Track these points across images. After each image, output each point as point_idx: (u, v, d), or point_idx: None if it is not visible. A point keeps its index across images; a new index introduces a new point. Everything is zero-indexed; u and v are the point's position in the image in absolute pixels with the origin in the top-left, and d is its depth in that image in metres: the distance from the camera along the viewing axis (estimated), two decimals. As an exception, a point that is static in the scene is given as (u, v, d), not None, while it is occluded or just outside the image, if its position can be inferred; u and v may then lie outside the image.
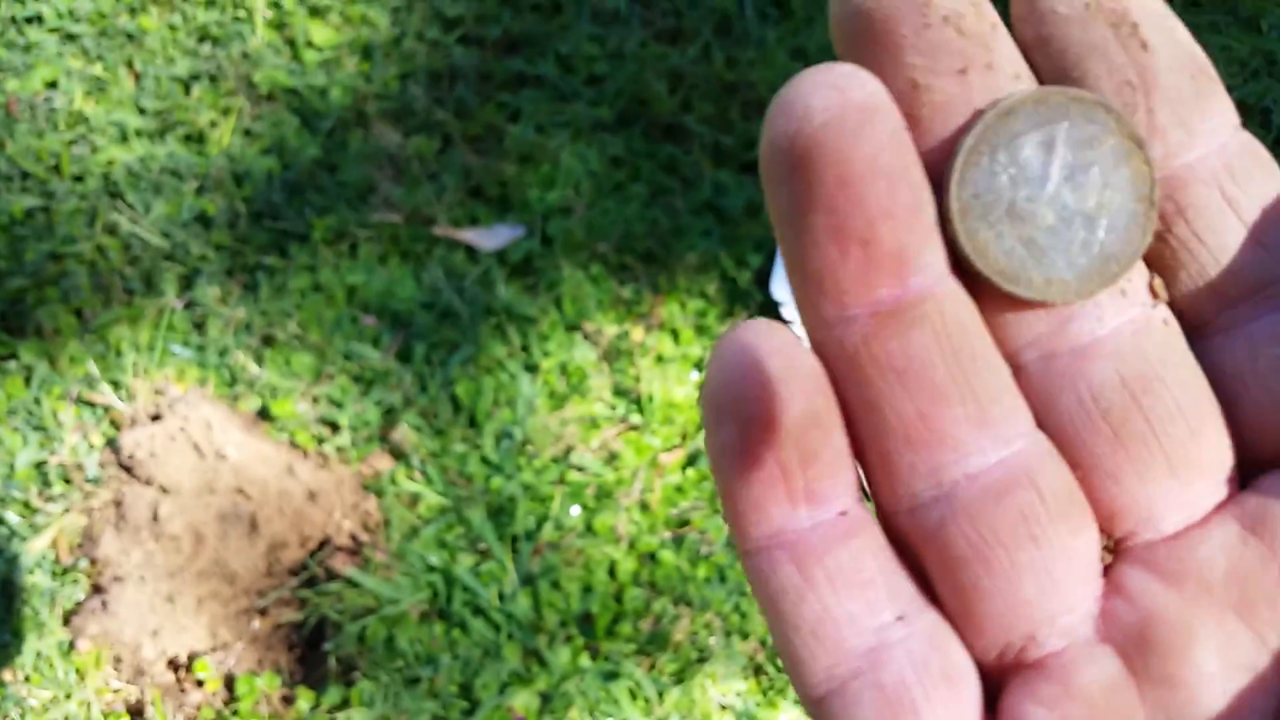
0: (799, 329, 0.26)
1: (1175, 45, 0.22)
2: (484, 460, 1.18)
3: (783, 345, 0.22)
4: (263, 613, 1.18)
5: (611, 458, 1.18)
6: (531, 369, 1.23)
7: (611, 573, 1.12)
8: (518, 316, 1.25)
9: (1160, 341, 0.23)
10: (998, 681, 0.23)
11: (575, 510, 1.14)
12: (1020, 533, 0.22)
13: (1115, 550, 0.24)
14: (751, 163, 1.30)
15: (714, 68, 1.34)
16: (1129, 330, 0.23)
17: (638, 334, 1.24)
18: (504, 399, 1.21)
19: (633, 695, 1.05)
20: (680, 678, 1.07)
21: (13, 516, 1.17)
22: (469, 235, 1.29)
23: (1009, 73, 0.23)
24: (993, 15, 0.22)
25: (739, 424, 0.22)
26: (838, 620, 0.22)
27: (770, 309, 1.23)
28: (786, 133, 0.21)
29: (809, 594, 0.22)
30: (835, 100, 0.21)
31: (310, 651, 1.16)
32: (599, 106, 1.35)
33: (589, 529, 1.14)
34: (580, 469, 1.17)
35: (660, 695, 1.05)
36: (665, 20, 1.41)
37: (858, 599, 0.22)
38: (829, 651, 0.22)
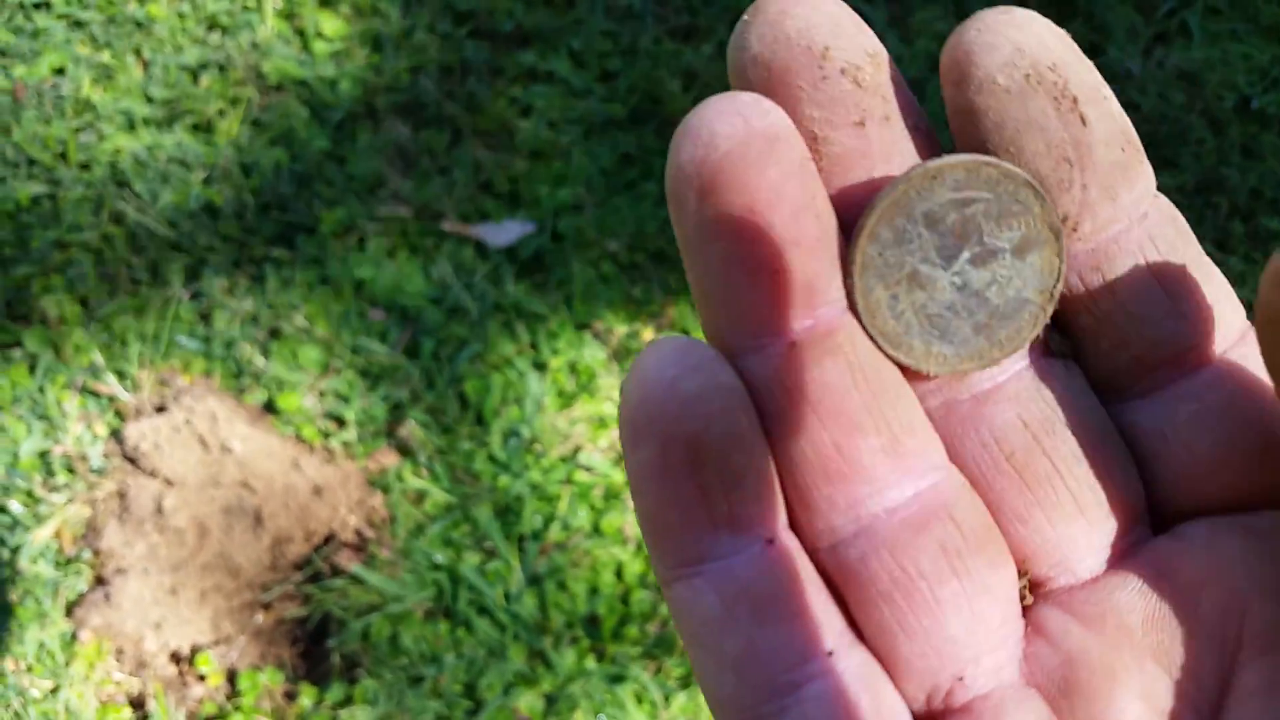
0: None
1: (1110, 119, 0.22)
2: (491, 458, 1.17)
3: (704, 361, 0.21)
4: (266, 607, 1.17)
5: (620, 458, 1.17)
6: (540, 367, 1.22)
7: (618, 574, 1.12)
8: (527, 314, 1.24)
9: (1062, 385, 0.23)
10: None
11: (582, 513, 1.14)
12: (941, 565, 0.22)
13: (1034, 592, 0.24)
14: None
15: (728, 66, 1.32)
16: (1029, 375, 0.24)
17: (648, 333, 1.23)
18: (512, 397, 1.21)
19: (638, 699, 1.05)
20: (686, 682, 1.06)
21: (16, 506, 1.16)
22: (478, 231, 1.28)
23: (908, 125, 0.23)
24: (892, 68, 0.22)
25: (658, 443, 0.21)
26: (761, 655, 0.21)
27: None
28: (692, 159, 0.20)
29: (731, 626, 0.21)
30: (740, 127, 0.20)
31: (314, 647, 1.15)
32: (611, 103, 1.34)
33: (596, 530, 1.13)
34: (588, 469, 1.17)
35: (666, 699, 1.05)
36: (679, 17, 1.40)
37: (784, 632, 0.21)
38: (752, 689, 0.21)
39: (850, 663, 0.22)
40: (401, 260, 1.27)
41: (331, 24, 1.40)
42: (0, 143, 1.30)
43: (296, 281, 1.25)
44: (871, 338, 0.23)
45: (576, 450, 1.18)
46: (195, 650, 1.14)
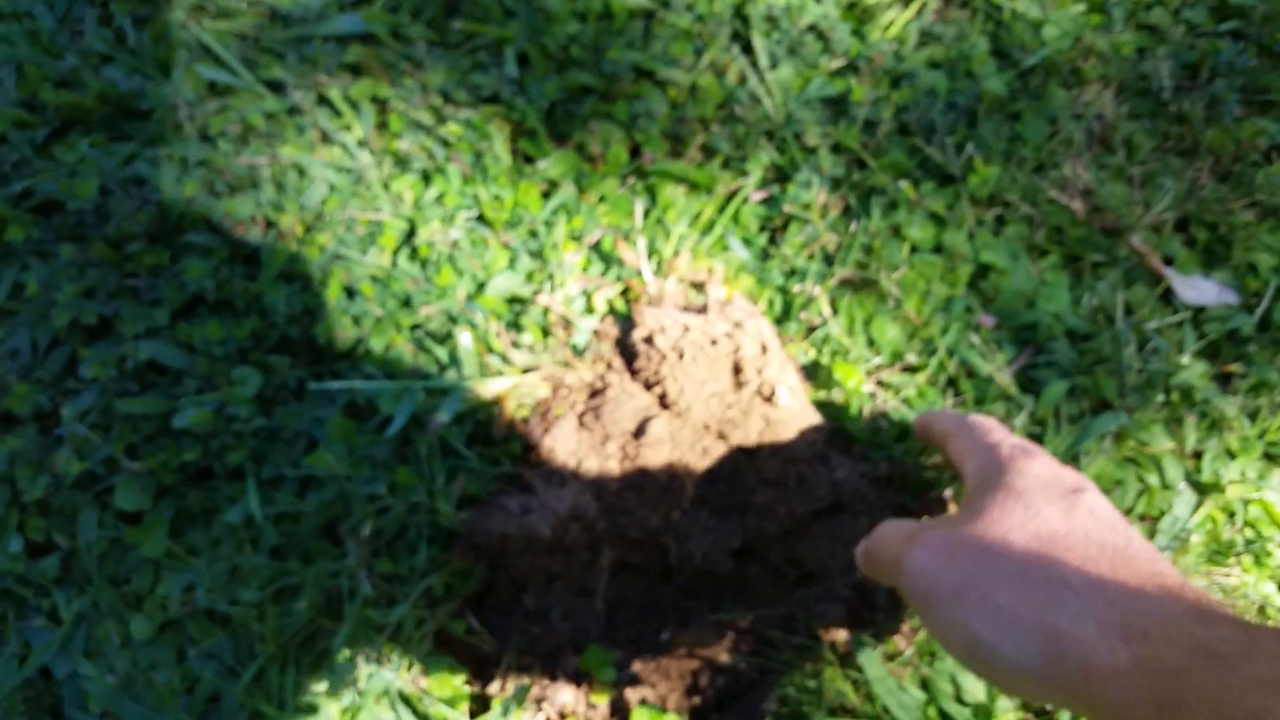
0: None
1: None
2: None
3: None
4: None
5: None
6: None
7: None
8: (1194, 402, 0.87)
9: None
10: None
11: None
12: None
13: None
14: None
15: None
16: None
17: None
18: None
19: None
20: None
21: (465, 339, 0.84)
22: (1168, 271, 0.93)
23: None
24: None
25: None
26: None
27: None
28: None
29: None
30: None
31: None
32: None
33: None
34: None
35: None
36: None
37: None
38: None
39: None
40: (1048, 265, 0.93)
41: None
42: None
43: (904, 236, 0.92)
44: None
45: None
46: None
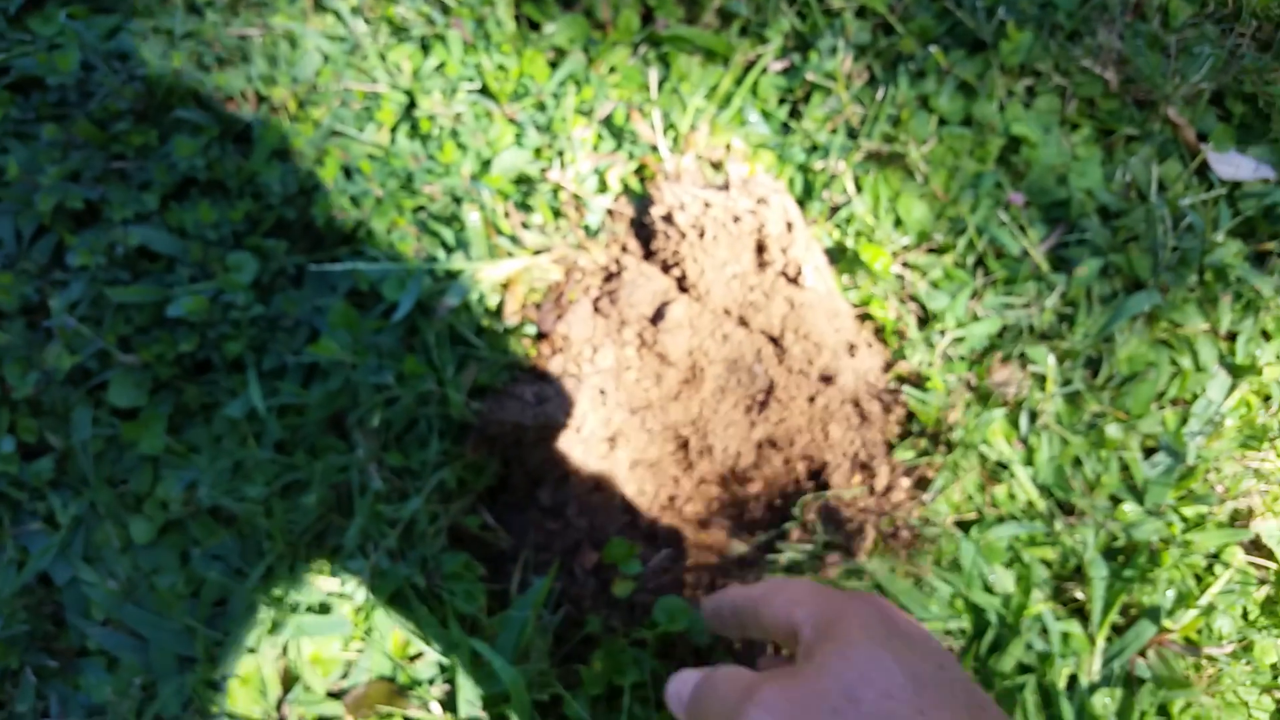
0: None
1: None
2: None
3: None
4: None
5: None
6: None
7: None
8: (1229, 281, 0.84)
9: None
10: None
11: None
12: None
13: None
14: None
15: None
16: None
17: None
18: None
19: None
20: None
21: (473, 217, 0.80)
22: (1204, 146, 0.88)
23: None
24: None
25: None
26: None
27: None
28: None
29: None
30: None
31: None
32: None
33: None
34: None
35: None
36: None
37: None
38: None
39: None
40: (1080, 138, 0.88)
41: None
42: None
43: (938, 108, 0.87)
44: None
45: None
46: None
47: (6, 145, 0.81)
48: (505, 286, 0.79)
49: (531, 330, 0.79)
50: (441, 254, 0.79)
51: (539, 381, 0.78)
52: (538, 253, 0.80)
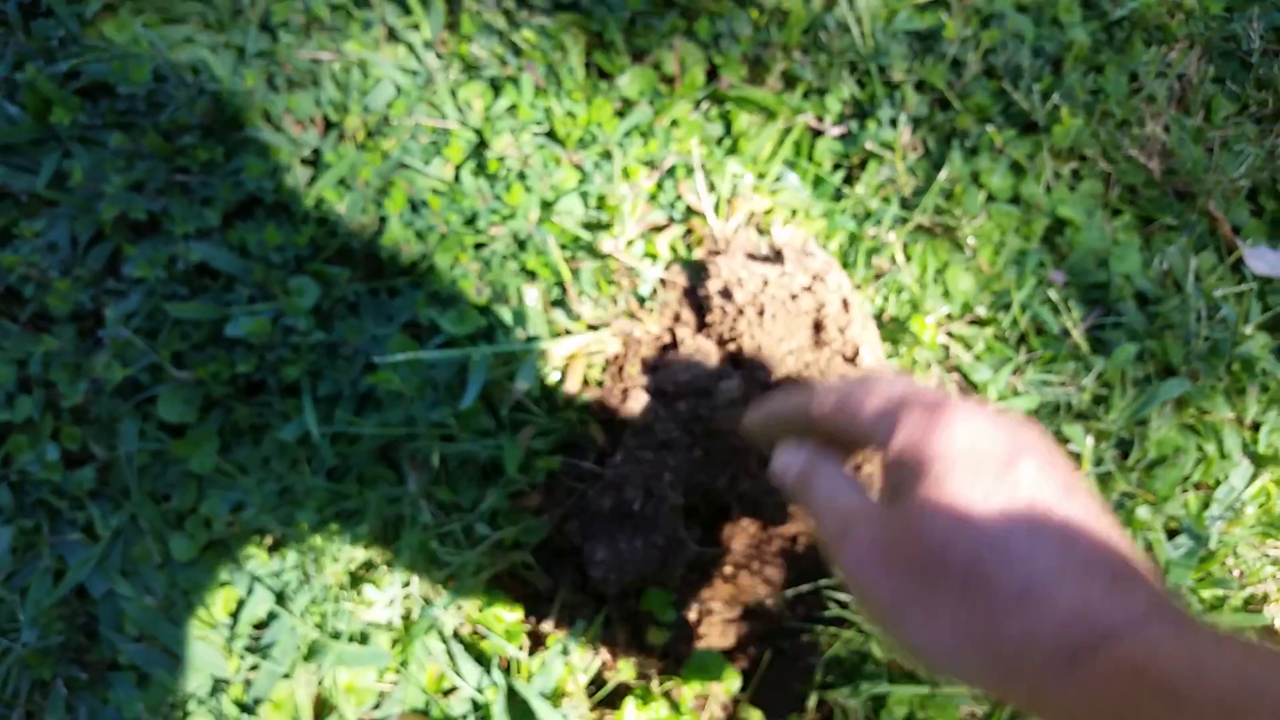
0: None
1: None
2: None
3: None
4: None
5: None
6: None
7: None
8: (1256, 373, 0.87)
9: None
10: None
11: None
12: None
13: None
14: None
15: None
16: None
17: None
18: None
19: None
20: None
21: (532, 297, 0.80)
22: (1240, 242, 0.91)
23: None
24: None
25: None
26: None
27: None
28: None
29: None
30: None
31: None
32: None
33: None
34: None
35: None
36: None
37: None
38: None
39: None
40: (1121, 225, 0.91)
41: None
42: None
43: (985, 185, 0.89)
44: None
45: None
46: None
47: (71, 150, 0.80)
48: (566, 363, 0.79)
49: (588, 399, 0.79)
50: (501, 319, 0.79)
51: (595, 454, 0.79)
52: (595, 327, 0.81)
